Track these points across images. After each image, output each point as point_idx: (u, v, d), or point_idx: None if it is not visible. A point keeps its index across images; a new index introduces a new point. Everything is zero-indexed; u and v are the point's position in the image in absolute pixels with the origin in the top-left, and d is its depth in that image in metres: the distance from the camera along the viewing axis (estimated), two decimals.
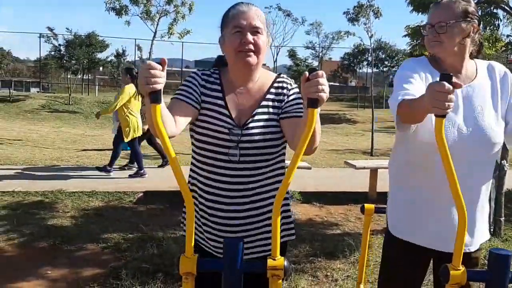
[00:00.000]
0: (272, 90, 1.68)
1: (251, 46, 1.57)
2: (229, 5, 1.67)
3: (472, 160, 1.62)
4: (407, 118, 1.51)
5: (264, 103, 1.66)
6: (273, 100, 1.67)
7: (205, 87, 1.67)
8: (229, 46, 1.60)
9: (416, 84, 1.60)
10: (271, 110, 1.66)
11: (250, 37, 1.57)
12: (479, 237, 1.73)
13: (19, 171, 7.10)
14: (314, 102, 1.24)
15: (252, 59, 1.59)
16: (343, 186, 6.69)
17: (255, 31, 1.58)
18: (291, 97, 1.67)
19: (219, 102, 1.65)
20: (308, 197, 6.03)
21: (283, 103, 1.66)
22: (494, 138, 1.63)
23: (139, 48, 30.04)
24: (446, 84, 1.19)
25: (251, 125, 1.62)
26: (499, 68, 1.73)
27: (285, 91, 1.68)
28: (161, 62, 1.26)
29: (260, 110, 1.65)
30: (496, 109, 1.66)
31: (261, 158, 1.64)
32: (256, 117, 1.64)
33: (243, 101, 1.67)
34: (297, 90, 1.70)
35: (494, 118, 1.64)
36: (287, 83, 1.71)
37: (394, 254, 1.81)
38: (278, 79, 1.71)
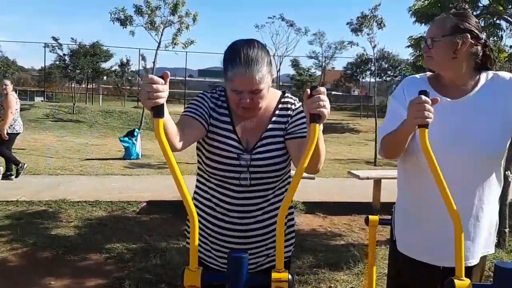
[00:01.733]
0: (277, 111, 1.69)
1: (250, 104, 1.56)
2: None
3: (470, 172, 1.62)
4: (388, 152, 1.69)
5: (270, 126, 1.67)
6: (279, 122, 1.68)
7: (214, 110, 1.67)
8: (229, 96, 1.62)
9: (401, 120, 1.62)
10: (277, 132, 1.67)
11: (248, 98, 1.55)
12: (483, 249, 1.72)
13: (23, 180, 7.12)
14: (316, 118, 1.26)
15: (251, 113, 1.62)
16: (347, 196, 6.68)
17: (255, 92, 1.55)
18: (295, 117, 1.67)
19: (228, 127, 1.65)
20: (311, 207, 6.01)
21: (288, 124, 1.67)
22: (491, 151, 1.62)
23: (143, 58, 30.24)
24: (423, 96, 1.38)
25: (260, 149, 1.64)
26: (503, 75, 1.70)
27: (289, 111, 1.69)
28: (163, 75, 1.24)
29: (267, 133, 1.66)
30: (494, 121, 1.63)
31: (271, 180, 1.67)
32: (264, 141, 1.65)
33: (250, 124, 1.67)
34: (301, 109, 1.69)
35: (491, 130, 1.63)
36: (291, 103, 1.71)
37: (400, 268, 1.81)
38: (283, 100, 1.71)
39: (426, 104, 1.35)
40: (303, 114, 1.66)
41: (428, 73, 1.79)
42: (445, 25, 1.66)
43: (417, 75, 1.82)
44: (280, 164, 1.65)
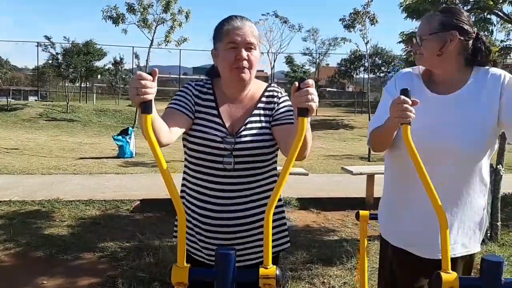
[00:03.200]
0: (263, 99, 1.73)
1: (245, 63, 1.61)
2: (227, 14, 1.68)
3: (456, 167, 1.63)
4: (376, 145, 1.75)
5: (255, 111, 1.70)
6: (264, 109, 1.71)
7: (198, 97, 1.70)
8: (223, 61, 1.63)
9: None
10: (262, 118, 1.69)
11: (244, 53, 1.60)
12: (469, 243, 1.73)
13: (16, 180, 7.09)
14: (304, 112, 1.26)
15: (246, 75, 1.63)
16: (340, 192, 6.70)
17: (249, 47, 1.61)
18: (281, 105, 1.71)
19: (213, 111, 1.68)
20: (305, 203, 6.03)
21: (274, 111, 1.71)
22: (478, 146, 1.63)
23: (137, 56, 30.13)
24: (402, 96, 1.42)
25: (244, 133, 1.65)
26: (495, 72, 1.68)
27: (275, 99, 1.73)
28: (151, 73, 1.26)
29: (252, 118, 1.68)
30: (482, 117, 1.63)
31: (255, 165, 1.67)
32: (249, 125, 1.67)
33: (235, 110, 1.70)
34: (286, 98, 1.75)
35: (479, 126, 1.63)
36: (277, 91, 1.75)
37: (390, 260, 1.82)
38: (269, 88, 1.76)
39: (405, 104, 1.39)
40: (289, 102, 1.71)
41: (422, 67, 1.80)
42: (432, 22, 1.68)
43: (411, 69, 1.83)
44: (264, 149, 1.66)
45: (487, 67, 1.71)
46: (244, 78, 1.63)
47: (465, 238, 1.72)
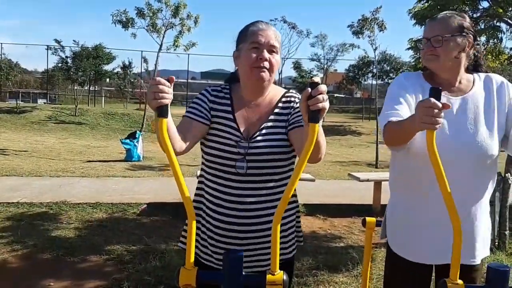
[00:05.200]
0: (280, 104, 1.72)
1: (266, 64, 1.62)
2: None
3: (468, 173, 1.63)
4: (392, 140, 1.58)
5: (272, 117, 1.70)
6: (280, 114, 1.70)
7: (214, 102, 1.71)
8: (244, 60, 1.64)
9: (405, 105, 1.63)
10: (278, 124, 1.69)
11: (266, 54, 1.61)
12: (479, 250, 1.72)
13: (24, 182, 7.14)
14: (316, 117, 1.22)
15: (266, 75, 1.63)
16: (347, 198, 6.68)
17: (272, 50, 1.63)
18: (297, 109, 1.69)
19: (228, 115, 1.69)
20: (312, 209, 6.02)
21: (290, 116, 1.69)
22: (487, 150, 1.63)
23: (145, 60, 30.27)
24: (432, 99, 1.23)
25: (258, 138, 1.65)
26: (496, 79, 1.72)
27: (292, 104, 1.72)
28: (169, 79, 1.33)
29: (267, 124, 1.68)
30: (490, 121, 1.66)
31: (269, 171, 1.66)
32: (264, 131, 1.67)
33: (252, 115, 1.70)
34: None
35: (487, 130, 1.64)
36: (294, 97, 1.75)
37: (395, 271, 1.82)
38: (287, 94, 1.75)
39: (436, 109, 1.22)
40: None
41: (420, 72, 1.80)
42: (452, 23, 1.65)
43: (411, 73, 1.83)
44: (278, 155, 1.66)
45: (485, 73, 1.75)
46: (264, 77, 1.63)
47: (482, 240, 1.72)
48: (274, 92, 1.74)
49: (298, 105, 1.71)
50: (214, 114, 1.69)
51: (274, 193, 1.68)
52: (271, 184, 1.67)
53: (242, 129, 1.66)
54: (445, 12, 1.73)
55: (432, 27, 1.68)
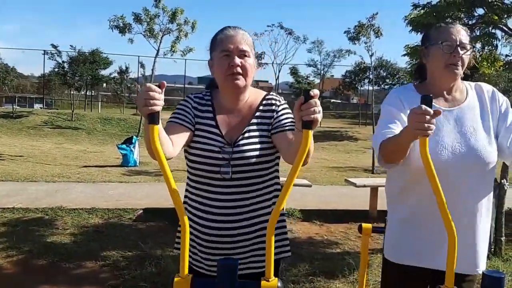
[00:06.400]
0: (261, 107, 1.73)
1: (239, 69, 1.63)
2: (235, 23, 1.72)
3: (468, 181, 1.63)
4: (390, 157, 1.58)
5: (254, 120, 1.70)
6: (262, 117, 1.71)
7: (197, 109, 1.72)
8: (217, 69, 1.66)
9: (399, 124, 1.63)
10: (261, 127, 1.70)
11: (237, 60, 1.62)
12: (478, 259, 1.72)
13: (20, 187, 7.11)
14: (309, 124, 1.23)
15: (241, 81, 1.64)
16: (344, 204, 6.68)
17: (243, 54, 1.64)
18: (280, 113, 1.71)
19: (210, 122, 1.70)
20: (308, 215, 6.01)
21: (273, 119, 1.70)
22: (487, 157, 1.64)
23: (142, 65, 30.33)
24: (423, 106, 1.25)
25: (241, 142, 1.66)
26: (487, 88, 1.75)
27: (273, 107, 1.73)
28: (160, 85, 1.30)
29: (250, 127, 1.69)
30: (488, 128, 1.68)
31: (254, 174, 1.67)
32: (246, 134, 1.68)
33: (234, 120, 1.71)
34: (286, 105, 1.75)
35: (486, 138, 1.66)
36: (275, 99, 1.75)
37: (392, 280, 1.82)
38: (267, 97, 1.76)
39: (427, 116, 1.24)
40: (288, 110, 1.72)
41: (411, 84, 1.80)
42: (467, 35, 1.67)
43: (402, 87, 1.83)
44: (262, 157, 1.67)
45: (474, 82, 1.77)
46: (239, 84, 1.64)
47: (482, 248, 1.71)
48: (254, 96, 1.75)
49: (280, 108, 1.72)
50: (198, 121, 1.70)
51: (260, 195, 1.70)
52: (257, 187, 1.69)
53: (224, 134, 1.68)
54: (450, 21, 1.74)
55: (459, 32, 1.65)
